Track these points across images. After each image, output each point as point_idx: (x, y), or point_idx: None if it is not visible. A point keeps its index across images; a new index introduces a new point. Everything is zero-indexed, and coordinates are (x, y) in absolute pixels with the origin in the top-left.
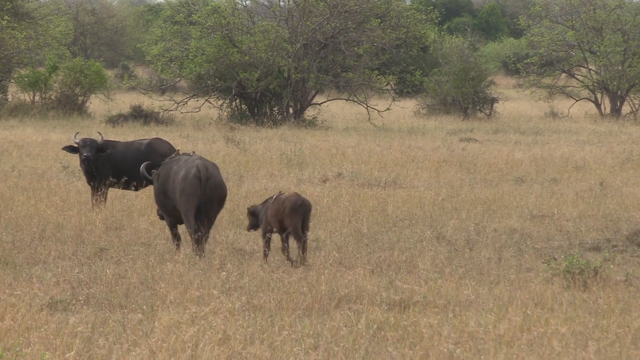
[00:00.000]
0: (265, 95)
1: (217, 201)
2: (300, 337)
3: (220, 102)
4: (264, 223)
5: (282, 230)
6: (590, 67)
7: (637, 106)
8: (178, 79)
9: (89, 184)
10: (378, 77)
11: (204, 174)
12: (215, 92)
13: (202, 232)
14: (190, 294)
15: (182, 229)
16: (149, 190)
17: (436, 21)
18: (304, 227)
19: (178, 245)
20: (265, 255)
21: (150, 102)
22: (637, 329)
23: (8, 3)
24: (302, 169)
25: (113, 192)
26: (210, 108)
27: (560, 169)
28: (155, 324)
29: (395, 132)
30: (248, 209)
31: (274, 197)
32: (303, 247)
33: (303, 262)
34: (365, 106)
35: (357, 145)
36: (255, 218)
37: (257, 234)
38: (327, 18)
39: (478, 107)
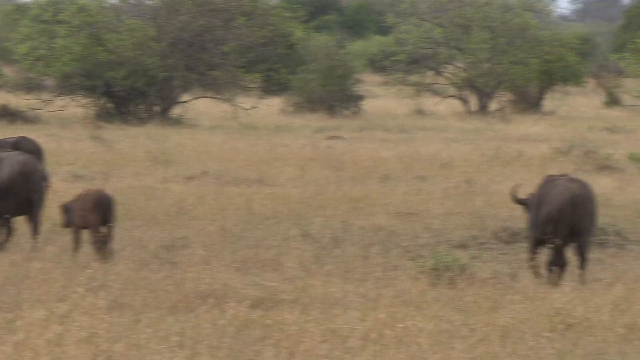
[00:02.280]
0: (132, 94)
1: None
2: (166, 335)
3: (86, 100)
4: (73, 219)
5: (88, 226)
6: (457, 64)
7: (504, 103)
8: (45, 78)
9: None
10: (244, 75)
11: (25, 169)
12: (82, 91)
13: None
14: (56, 292)
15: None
16: None
17: (303, 19)
18: (107, 221)
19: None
20: (75, 250)
21: (17, 100)
22: (504, 326)
23: None
24: (167, 167)
25: None
26: (77, 107)
27: (427, 167)
28: (20, 322)
29: (262, 130)
30: (61, 206)
31: (80, 193)
32: (105, 241)
33: (108, 257)
34: (232, 104)
35: (223, 144)
36: (68, 215)
37: (121, 232)
38: (193, 16)
39: (344, 105)
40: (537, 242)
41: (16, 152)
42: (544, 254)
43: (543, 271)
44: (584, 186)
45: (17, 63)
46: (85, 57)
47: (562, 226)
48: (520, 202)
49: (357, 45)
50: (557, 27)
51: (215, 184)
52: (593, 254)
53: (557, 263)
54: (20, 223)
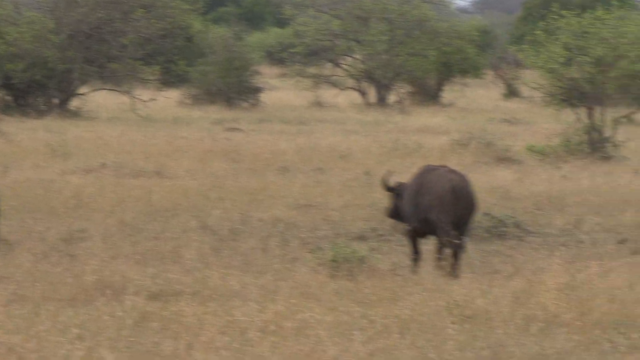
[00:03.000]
0: (31, 86)
1: None
2: (65, 327)
3: None
4: None
5: None
6: (355, 56)
7: (402, 95)
8: None
9: None
10: (143, 67)
11: None
12: None
13: None
14: None
15: None
16: None
17: (201, 11)
18: None
19: None
20: None
21: None
22: (403, 318)
23: None
24: (66, 160)
25: None
26: None
27: (325, 159)
28: None
29: (160, 123)
30: None
31: None
32: None
33: None
34: (130, 96)
35: (121, 136)
36: None
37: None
38: (92, 9)
39: (243, 97)
40: (415, 233)
41: None
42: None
43: (440, 263)
44: (463, 177)
45: None
46: None
47: (443, 216)
48: (390, 189)
49: (255, 37)
50: (455, 19)
51: (114, 176)
52: (493, 246)
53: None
54: None
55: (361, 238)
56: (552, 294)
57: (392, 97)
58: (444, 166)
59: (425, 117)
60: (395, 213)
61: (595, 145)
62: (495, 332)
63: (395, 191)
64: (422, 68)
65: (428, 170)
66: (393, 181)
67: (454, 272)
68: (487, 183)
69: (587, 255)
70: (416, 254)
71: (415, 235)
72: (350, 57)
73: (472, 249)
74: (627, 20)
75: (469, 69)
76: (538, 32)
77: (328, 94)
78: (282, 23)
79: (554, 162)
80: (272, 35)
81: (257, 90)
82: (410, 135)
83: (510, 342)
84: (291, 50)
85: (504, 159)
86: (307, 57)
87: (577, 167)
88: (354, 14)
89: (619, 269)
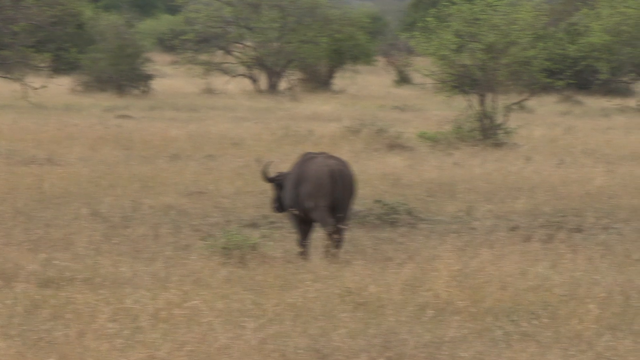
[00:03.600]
0: None
1: None
2: None
3: None
4: None
5: None
6: (247, 43)
7: (293, 82)
8: None
9: None
10: (34, 54)
11: None
12: None
13: None
14: None
15: None
16: None
17: None
18: None
19: None
20: None
21: None
22: (295, 305)
23: None
24: None
25: None
26: None
27: (217, 146)
28: None
29: (52, 110)
30: None
31: None
32: None
33: None
34: (22, 84)
35: (13, 123)
36: None
37: None
38: None
39: (134, 84)
40: (300, 220)
41: None
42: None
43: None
44: (342, 162)
45: None
46: None
47: (322, 201)
48: (271, 180)
49: (147, 25)
50: (347, 6)
51: (5, 163)
52: (385, 233)
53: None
54: None
55: (253, 225)
56: (445, 281)
57: (283, 84)
58: (323, 153)
59: (316, 104)
60: (280, 204)
61: (487, 132)
62: (387, 319)
63: (275, 181)
64: (314, 55)
65: (307, 158)
66: (273, 172)
67: (334, 257)
68: (378, 170)
69: (479, 242)
70: (304, 241)
71: (300, 223)
72: (242, 44)
73: (364, 236)
74: (518, 7)
75: (360, 56)
76: (429, 18)
77: (219, 81)
78: (173, 10)
79: (446, 149)
80: (163, 23)
81: (149, 77)
82: (302, 122)
83: (402, 330)
84: (182, 38)
85: (395, 145)
86: (198, 44)
87: (468, 154)
88: (246, 1)
89: (510, 256)
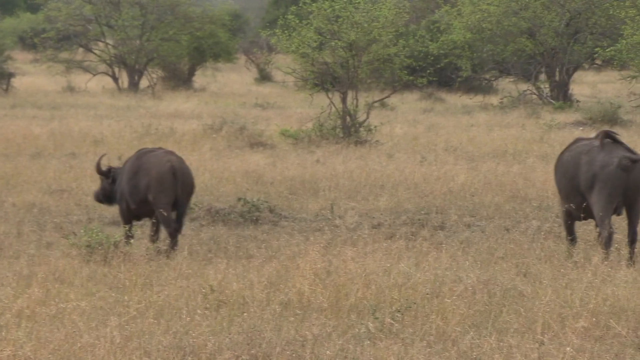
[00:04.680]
0: None
1: None
2: None
3: None
4: None
5: None
6: (108, 41)
7: (154, 80)
8: None
9: None
10: None
11: None
12: None
13: None
14: None
15: None
16: None
17: None
18: None
19: None
20: None
21: None
22: (159, 303)
23: None
24: None
25: None
26: None
27: (78, 144)
28: None
29: None
30: None
31: None
32: None
33: None
34: None
35: None
36: None
37: None
38: None
39: None
40: (131, 214)
41: None
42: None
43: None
44: (180, 159)
45: None
46: None
47: (162, 196)
48: (102, 173)
49: (7, 23)
50: (207, 4)
51: None
52: (247, 231)
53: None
54: None
55: (115, 223)
56: (308, 279)
57: (144, 82)
58: (160, 148)
59: (177, 101)
60: (103, 196)
61: (349, 130)
62: (250, 317)
63: (107, 175)
64: (175, 53)
65: (144, 153)
66: (105, 165)
67: (170, 251)
68: (240, 168)
69: (342, 240)
70: (130, 232)
71: (131, 216)
72: (103, 42)
73: (226, 234)
74: (379, 4)
75: (221, 54)
76: (290, 16)
77: (81, 79)
78: (34, 8)
79: (308, 147)
80: (24, 21)
81: (10, 75)
82: (163, 120)
83: (266, 328)
84: (43, 36)
85: (257, 143)
86: (59, 43)
87: (330, 152)
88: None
89: (374, 254)
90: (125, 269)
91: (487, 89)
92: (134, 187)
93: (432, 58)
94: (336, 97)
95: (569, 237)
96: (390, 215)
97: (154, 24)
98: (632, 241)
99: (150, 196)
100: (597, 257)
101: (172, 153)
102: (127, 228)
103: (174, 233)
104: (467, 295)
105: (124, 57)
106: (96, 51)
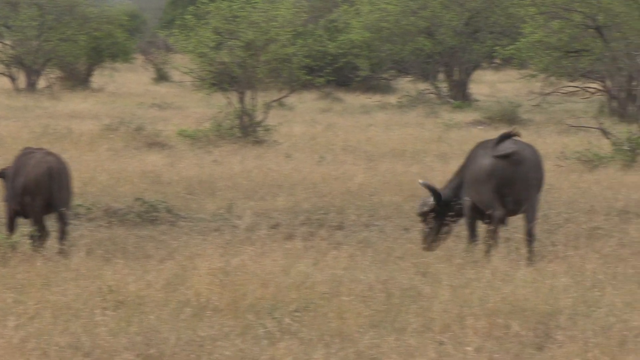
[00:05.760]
0: None
1: None
2: None
3: None
4: None
5: None
6: (5, 42)
7: (52, 80)
8: None
9: None
10: None
11: None
12: None
13: None
14: None
15: None
16: None
17: None
18: None
19: None
20: None
21: None
22: (57, 303)
23: None
24: None
25: None
26: None
27: None
28: None
29: None
30: None
31: None
32: None
33: None
34: None
35: None
36: None
37: None
38: None
39: None
40: (15, 214)
41: None
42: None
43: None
44: (60, 160)
45: None
46: None
47: (39, 198)
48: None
49: None
50: (105, 4)
51: None
52: (145, 231)
53: (39, 233)
54: None
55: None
56: (206, 279)
57: (42, 83)
58: (42, 149)
59: (75, 102)
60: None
61: (247, 130)
62: (148, 317)
63: (2, 176)
64: (72, 53)
65: (26, 154)
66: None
67: (64, 250)
68: (138, 168)
69: (240, 240)
70: (12, 232)
71: (14, 215)
72: (1, 42)
73: (124, 235)
74: (277, 4)
75: (119, 54)
76: (188, 16)
77: None
78: None
79: (205, 147)
80: None
81: None
82: (61, 120)
83: (163, 328)
84: None
85: (155, 143)
86: None
87: (228, 152)
88: (3, 0)
89: (272, 254)
90: (23, 269)
91: (386, 89)
92: (14, 188)
93: (330, 57)
94: (234, 97)
95: (471, 237)
96: (289, 215)
97: (52, 25)
98: (529, 240)
99: (27, 198)
100: (497, 257)
101: (52, 154)
102: (8, 226)
103: (60, 234)
104: (366, 295)
105: (22, 58)
106: None
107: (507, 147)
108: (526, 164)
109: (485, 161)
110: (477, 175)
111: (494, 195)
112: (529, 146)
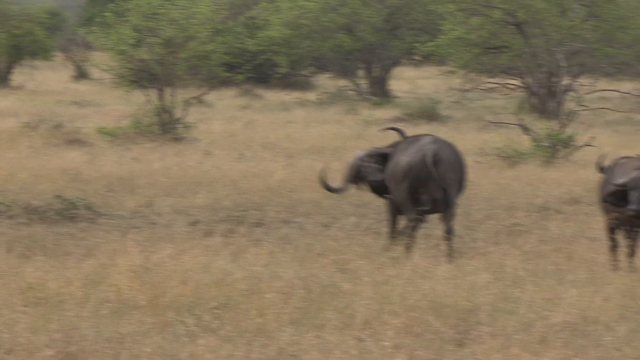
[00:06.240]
0: None
1: None
2: None
3: None
4: None
5: None
6: None
7: None
8: None
9: None
10: None
11: None
12: None
13: None
14: None
15: None
16: None
17: None
18: None
19: None
20: None
21: None
22: None
23: None
24: None
25: None
26: None
27: None
28: None
29: None
30: None
31: None
32: None
33: None
34: None
35: None
36: None
37: None
38: None
39: None
40: None
41: None
42: None
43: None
44: None
45: None
46: None
47: None
48: None
49: None
50: (25, 2)
51: None
52: (65, 229)
53: None
54: None
55: None
56: (126, 276)
57: None
58: None
59: None
60: None
61: (166, 127)
62: (68, 314)
63: None
64: None
65: None
66: None
67: None
68: (57, 165)
69: (160, 237)
70: None
71: None
72: None
73: (44, 232)
74: (196, 1)
75: (39, 52)
76: (107, 13)
77: None
78: None
79: (125, 144)
80: None
81: None
82: None
83: (83, 325)
84: None
85: (74, 141)
86: None
87: (147, 149)
88: None
89: (192, 251)
90: None
91: (305, 85)
92: None
93: (249, 54)
94: (153, 94)
95: (392, 234)
96: (208, 212)
97: None
98: (449, 237)
99: None
100: (417, 253)
101: None
102: None
103: None
104: (286, 291)
105: None
106: None
107: (426, 147)
108: (444, 164)
109: (404, 161)
110: (395, 174)
111: (409, 194)
112: (449, 145)
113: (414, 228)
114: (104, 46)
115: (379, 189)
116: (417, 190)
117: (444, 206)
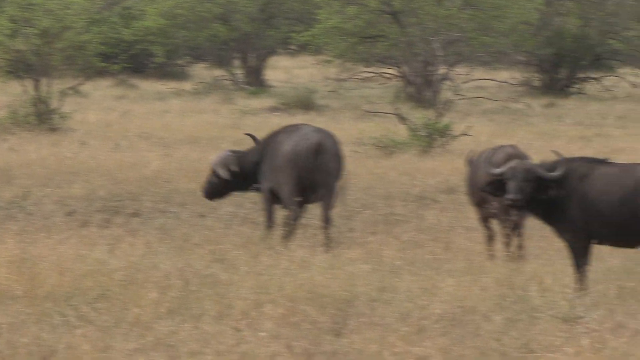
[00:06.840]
0: None
1: None
2: None
3: None
4: None
5: None
6: None
7: None
8: None
9: None
10: None
11: None
12: None
13: None
14: None
15: None
16: None
17: None
18: None
19: None
20: None
21: None
22: None
23: None
24: None
25: None
26: None
27: None
28: None
29: None
30: None
31: None
32: None
33: None
34: None
35: None
36: None
37: None
38: None
39: None
40: None
41: None
42: None
43: None
44: None
45: None
46: None
47: None
48: None
49: None
50: None
51: None
52: None
53: None
54: None
55: None
56: (3, 267)
57: None
58: None
59: None
60: None
61: (42, 117)
62: None
63: None
64: None
65: None
66: None
67: None
68: None
69: (36, 227)
70: None
71: None
72: None
73: None
74: None
75: None
76: None
77: None
78: None
79: (1, 134)
80: None
81: None
82: None
83: None
84: None
85: None
86: None
87: (24, 139)
88: None
89: (68, 241)
90: None
91: (181, 75)
92: None
93: (125, 44)
94: (29, 84)
95: (268, 224)
96: (84, 203)
97: None
98: (326, 227)
99: None
100: (295, 243)
101: None
102: None
103: None
104: (163, 282)
105: None
106: None
107: (310, 136)
108: (327, 154)
109: (287, 150)
110: (278, 164)
111: (294, 183)
112: (329, 135)
113: (295, 218)
114: None
115: (236, 185)
116: (301, 179)
117: (325, 196)
